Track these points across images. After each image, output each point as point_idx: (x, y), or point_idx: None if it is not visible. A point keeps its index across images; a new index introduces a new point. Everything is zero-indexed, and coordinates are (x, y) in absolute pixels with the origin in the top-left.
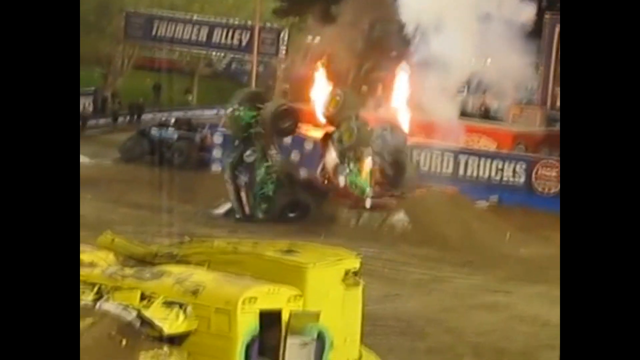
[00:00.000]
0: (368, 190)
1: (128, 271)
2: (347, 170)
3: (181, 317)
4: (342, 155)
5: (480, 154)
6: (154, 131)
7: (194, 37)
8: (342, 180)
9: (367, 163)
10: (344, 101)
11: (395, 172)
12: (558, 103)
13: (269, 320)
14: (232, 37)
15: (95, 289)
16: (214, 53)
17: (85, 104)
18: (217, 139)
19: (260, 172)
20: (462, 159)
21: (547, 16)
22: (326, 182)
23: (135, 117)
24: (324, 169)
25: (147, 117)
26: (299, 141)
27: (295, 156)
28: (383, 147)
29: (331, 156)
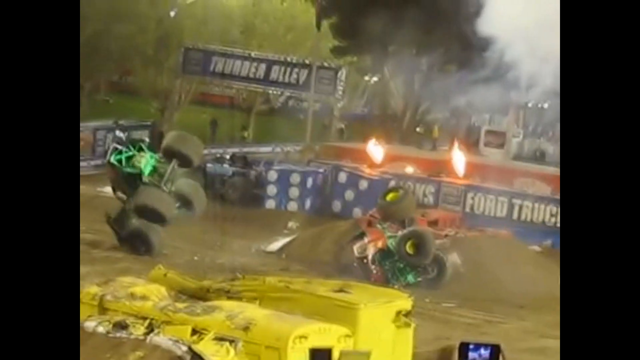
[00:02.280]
0: (412, 281)
1: (180, 305)
2: (389, 265)
3: (231, 352)
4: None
5: (534, 198)
6: (210, 166)
7: (251, 74)
8: (377, 270)
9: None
10: (403, 198)
11: (437, 273)
12: None
13: (319, 359)
14: (290, 75)
15: (147, 322)
16: (271, 90)
17: (142, 137)
18: (272, 175)
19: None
20: (516, 202)
21: None
22: (362, 261)
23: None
24: (362, 248)
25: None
26: (354, 180)
27: (349, 195)
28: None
29: (373, 245)
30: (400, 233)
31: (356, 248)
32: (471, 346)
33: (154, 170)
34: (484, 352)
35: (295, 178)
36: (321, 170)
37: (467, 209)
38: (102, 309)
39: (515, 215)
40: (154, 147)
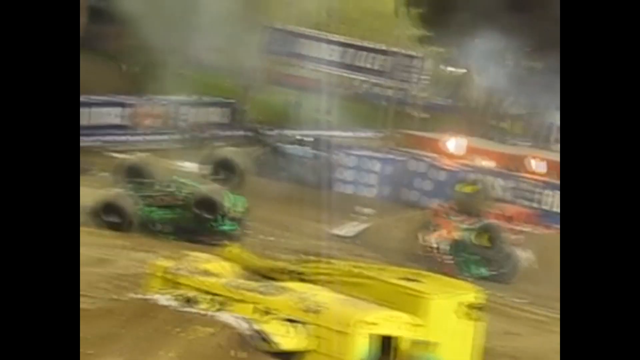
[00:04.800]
0: (484, 274)
1: (252, 284)
2: (461, 257)
3: (300, 335)
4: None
5: None
6: (289, 148)
7: (336, 58)
8: (450, 261)
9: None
10: (480, 191)
11: (510, 268)
12: None
13: (387, 346)
14: (375, 61)
15: (218, 299)
16: (355, 75)
17: (223, 114)
18: (351, 161)
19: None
20: None
21: None
22: (435, 252)
23: (273, 132)
24: (436, 239)
25: (282, 133)
26: (432, 171)
27: (426, 185)
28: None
29: (444, 234)
30: (475, 226)
31: (430, 238)
32: None
33: None
34: None
35: (373, 165)
36: (400, 158)
37: (545, 206)
38: (174, 283)
39: None
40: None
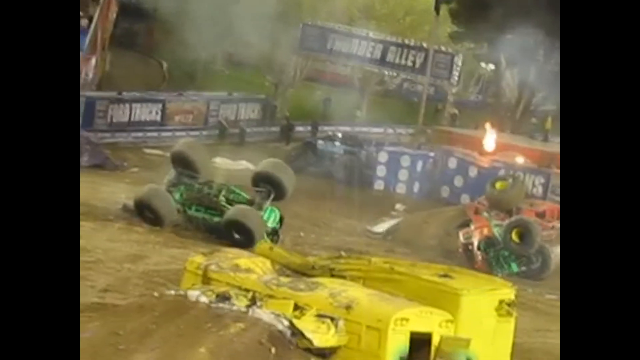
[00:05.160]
0: (515, 270)
1: (283, 280)
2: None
3: (332, 331)
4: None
5: None
6: (320, 144)
7: (368, 54)
8: (482, 257)
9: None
10: (512, 187)
11: (541, 264)
12: None
13: (419, 342)
14: (406, 57)
15: (249, 295)
16: (386, 71)
17: (254, 110)
18: (382, 157)
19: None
20: None
21: None
22: (467, 248)
23: (311, 129)
24: (467, 235)
25: (314, 129)
26: (464, 167)
27: (458, 181)
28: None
29: (479, 232)
30: (506, 222)
31: (462, 234)
32: None
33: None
34: None
35: (405, 160)
36: (432, 154)
37: None
38: (206, 279)
39: None
40: None
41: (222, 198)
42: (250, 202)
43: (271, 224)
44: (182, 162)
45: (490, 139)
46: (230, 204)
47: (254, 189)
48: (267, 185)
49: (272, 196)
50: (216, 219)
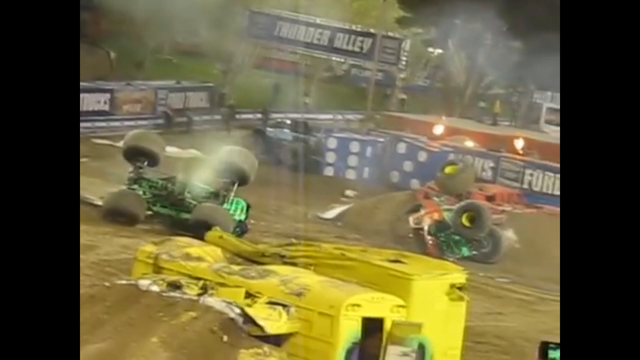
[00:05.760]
0: (466, 253)
1: (234, 268)
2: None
3: (284, 318)
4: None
5: None
6: (270, 131)
7: (315, 40)
8: (433, 241)
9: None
10: (462, 171)
11: (492, 247)
12: None
13: (371, 328)
14: (354, 43)
15: (201, 283)
16: (334, 57)
17: (203, 99)
18: (331, 143)
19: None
20: None
21: None
22: (418, 233)
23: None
24: (418, 219)
25: (261, 116)
26: (413, 152)
27: (407, 166)
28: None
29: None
30: (456, 206)
31: (412, 219)
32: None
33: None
34: None
35: (354, 146)
36: (381, 139)
37: (525, 186)
38: (157, 268)
39: None
40: None
41: (187, 194)
42: (215, 195)
43: (238, 216)
44: (138, 155)
45: (439, 123)
46: (195, 199)
47: (217, 180)
48: (232, 175)
49: (235, 186)
50: (184, 216)
